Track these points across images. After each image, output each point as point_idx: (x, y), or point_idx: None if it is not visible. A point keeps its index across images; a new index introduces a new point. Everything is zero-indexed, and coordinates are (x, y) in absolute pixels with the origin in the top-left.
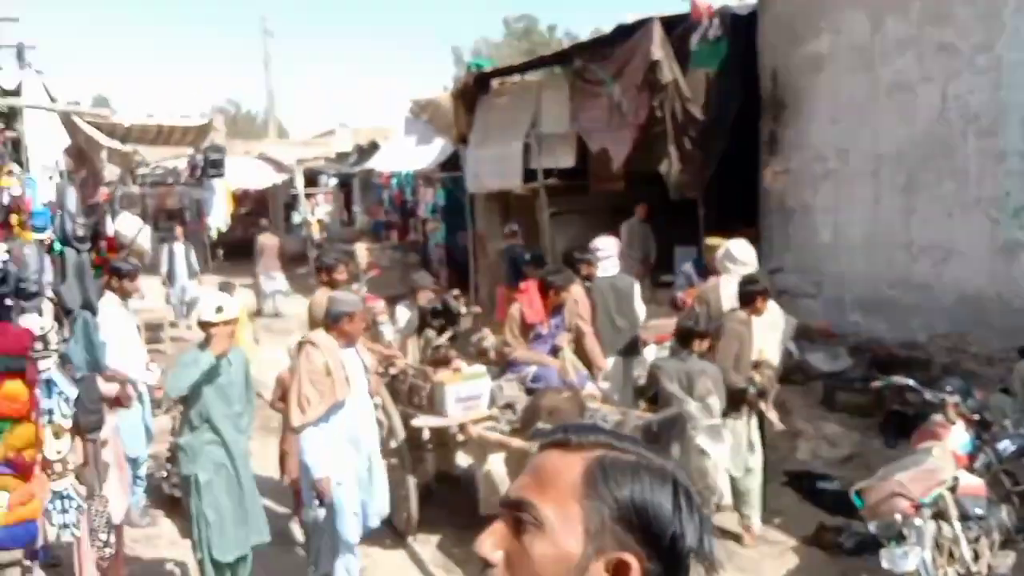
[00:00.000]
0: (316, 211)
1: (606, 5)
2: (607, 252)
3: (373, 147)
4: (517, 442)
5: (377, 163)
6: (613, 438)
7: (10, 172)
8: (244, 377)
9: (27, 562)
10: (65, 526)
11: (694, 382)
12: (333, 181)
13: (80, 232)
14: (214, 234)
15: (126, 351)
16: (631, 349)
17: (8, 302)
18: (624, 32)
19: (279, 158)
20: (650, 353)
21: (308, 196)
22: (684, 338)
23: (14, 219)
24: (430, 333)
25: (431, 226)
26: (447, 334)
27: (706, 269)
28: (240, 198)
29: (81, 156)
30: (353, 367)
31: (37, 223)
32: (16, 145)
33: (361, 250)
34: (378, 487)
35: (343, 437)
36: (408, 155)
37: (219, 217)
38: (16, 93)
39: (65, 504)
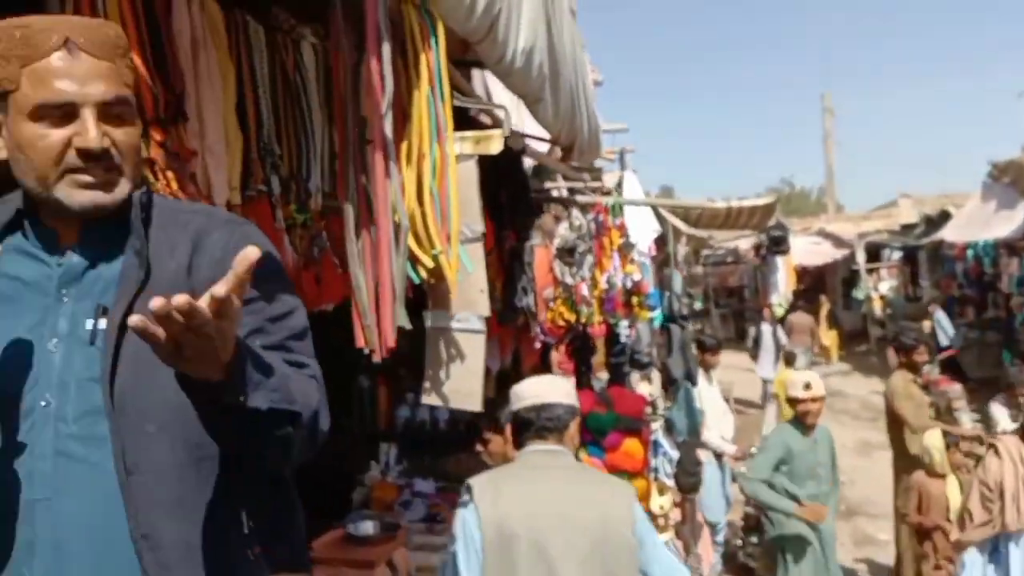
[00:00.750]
0: (879, 286)
1: None
2: None
3: (944, 216)
4: None
5: (949, 233)
6: None
7: (632, 260)
8: (830, 456)
9: None
10: None
11: None
12: (897, 254)
13: (684, 311)
14: (778, 312)
15: (714, 421)
16: None
17: (624, 370)
18: None
19: (838, 233)
20: None
21: (870, 271)
22: None
23: (634, 300)
24: None
25: (1017, 302)
26: None
27: None
28: (799, 274)
29: (662, 241)
30: None
31: (651, 303)
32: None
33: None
34: None
35: None
36: (987, 223)
37: (781, 294)
38: (617, 190)
39: None
